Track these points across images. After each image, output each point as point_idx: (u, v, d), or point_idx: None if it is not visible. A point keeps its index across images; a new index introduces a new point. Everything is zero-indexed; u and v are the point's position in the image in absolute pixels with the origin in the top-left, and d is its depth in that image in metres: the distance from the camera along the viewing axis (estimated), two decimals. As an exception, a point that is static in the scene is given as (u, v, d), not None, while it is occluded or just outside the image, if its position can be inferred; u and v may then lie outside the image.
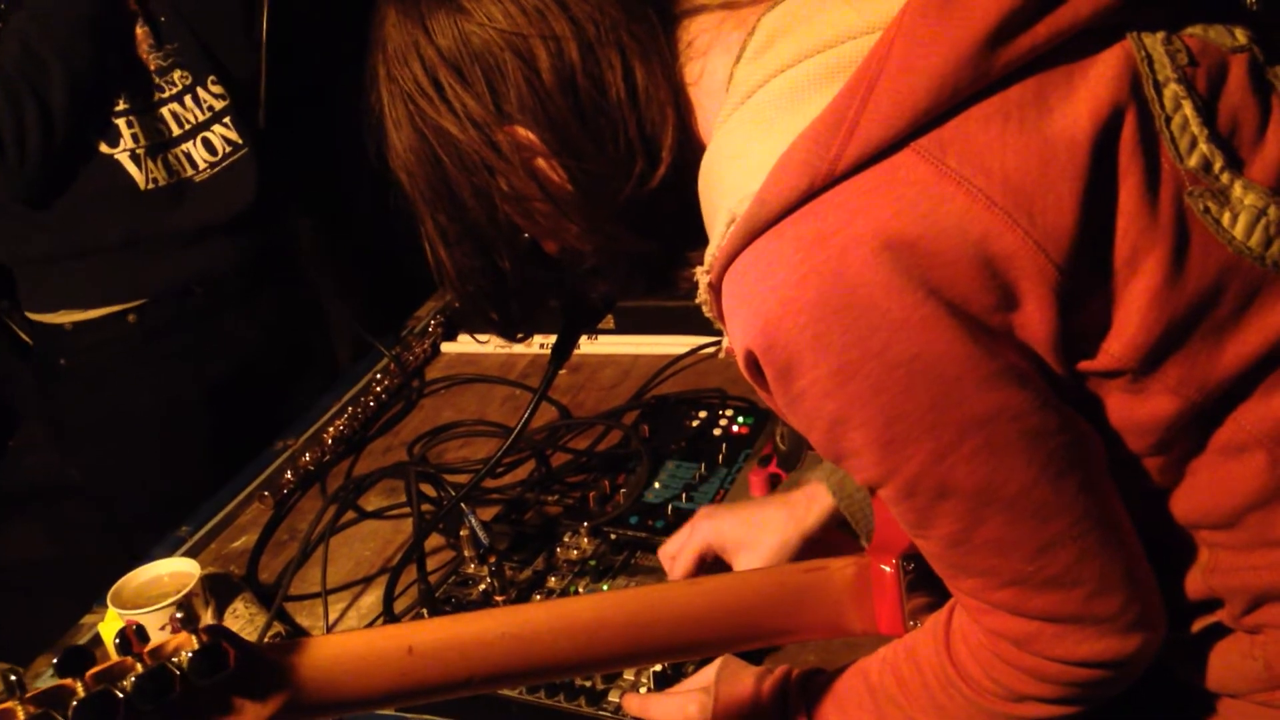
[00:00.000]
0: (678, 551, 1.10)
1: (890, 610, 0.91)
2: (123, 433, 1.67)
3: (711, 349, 1.56)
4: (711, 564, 1.09)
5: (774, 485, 1.24)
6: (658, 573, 1.15)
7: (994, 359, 0.68)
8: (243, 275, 1.69)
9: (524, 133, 0.79)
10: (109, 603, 1.18)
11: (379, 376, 1.65)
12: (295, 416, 1.62)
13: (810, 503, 1.05)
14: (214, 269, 1.65)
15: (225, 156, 1.63)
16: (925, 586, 0.90)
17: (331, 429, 1.56)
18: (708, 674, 0.99)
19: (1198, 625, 0.80)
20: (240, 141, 1.64)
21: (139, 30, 1.57)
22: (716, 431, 1.39)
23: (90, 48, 1.47)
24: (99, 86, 1.50)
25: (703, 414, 1.43)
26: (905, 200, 0.67)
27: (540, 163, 0.80)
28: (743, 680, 0.97)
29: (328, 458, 1.52)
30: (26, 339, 1.68)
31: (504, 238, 0.84)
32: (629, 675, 1.05)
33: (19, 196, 1.51)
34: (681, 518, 1.24)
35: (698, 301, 0.79)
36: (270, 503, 1.45)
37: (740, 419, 1.40)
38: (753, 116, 0.73)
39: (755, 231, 0.69)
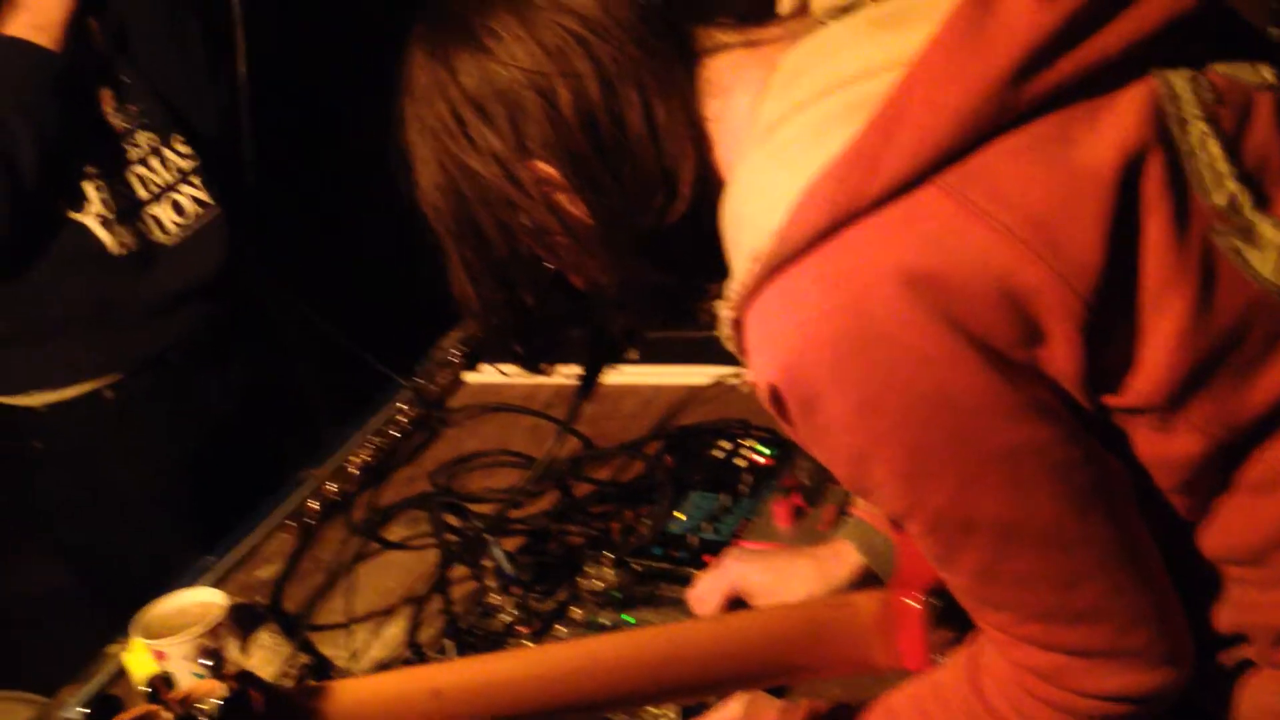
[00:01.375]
0: (705, 594, 1.10)
1: (916, 645, 0.90)
2: (105, 511, 1.63)
3: (734, 379, 1.56)
4: (737, 607, 1.09)
5: (798, 516, 1.24)
6: (682, 604, 1.15)
7: (1018, 392, 0.68)
8: (217, 338, 1.65)
9: (545, 167, 0.80)
10: (133, 632, 1.19)
11: (402, 406, 1.66)
12: (279, 475, 1.59)
13: (839, 560, 1.05)
14: (189, 334, 1.61)
15: (196, 218, 1.59)
16: (951, 621, 0.89)
17: (355, 458, 1.56)
18: (733, 709, 0.98)
19: (1226, 660, 0.79)
20: (210, 202, 1.60)
21: (103, 92, 1.54)
22: (740, 462, 1.39)
23: (57, 109, 1.44)
24: (66, 148, 1.47)
25: (726, 444, 1.43)
26: (928, 235, 0.67)
27: (561, 197, 0.81)
28: (767, 716, 0.96)
29: (352, 487, 1.53)
30: None
31: (526, 272, 0.85)
32: (654, 710, 1.04)
33: None
34: (705, 548, 1.24)
35: (720, 336, 0.80)
36: (295, 532, 1.46)
37: (764, 449, 1.40)
38: (775, 152, 0.74)
39: (777, 267, 0.70)
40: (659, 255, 0.83)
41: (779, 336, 0.70)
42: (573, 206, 0.81)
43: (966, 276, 0.66)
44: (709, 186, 0.80)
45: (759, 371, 0.73)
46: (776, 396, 0.72)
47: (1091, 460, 0.71)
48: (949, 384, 0.67)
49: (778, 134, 0.74)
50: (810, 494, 1.25)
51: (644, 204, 0.80)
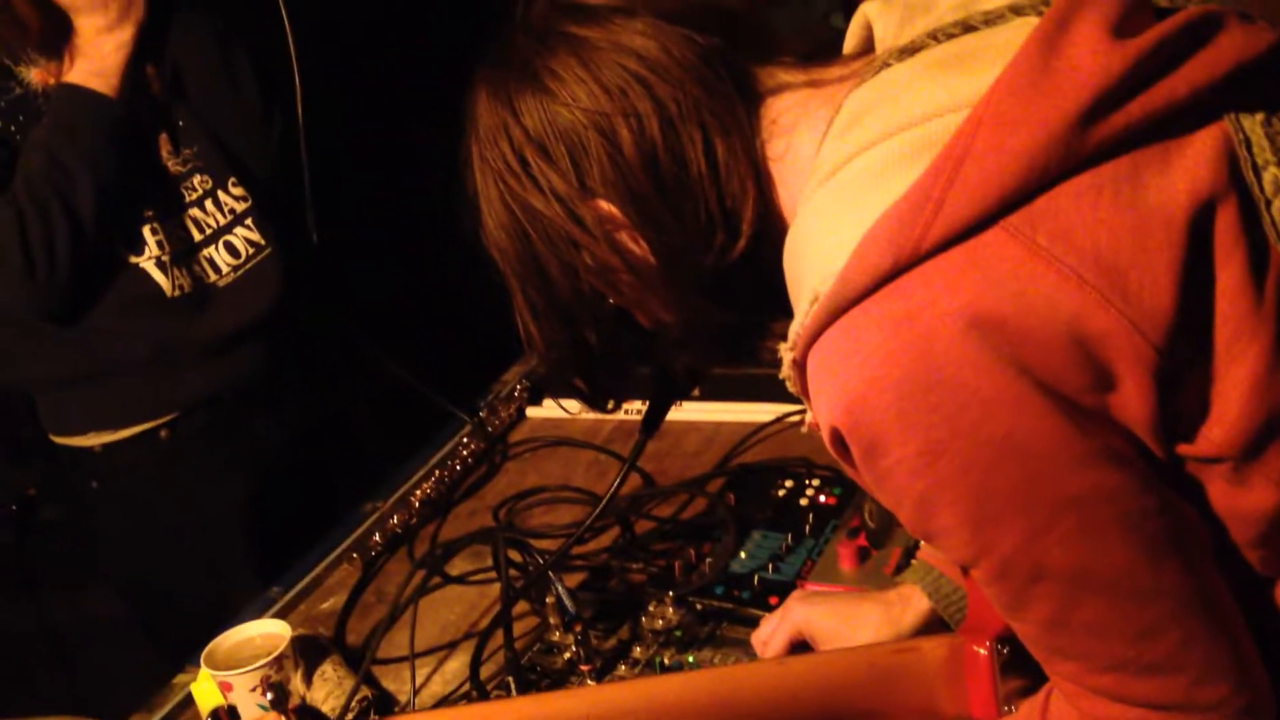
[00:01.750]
0: (769, 637, 1.09)
1: (984, 694, 0.88)
2: (161, 551, 1.64)
3: (796, 417, 1.55)
4: (801, 650, 1.08)
5: (863, 559, 1.23)
6: (744, 644, 1.14)
7: (1089, 439, 0.67)
8: (272, 376, 1.66)
9: (607, 206, 0.81)
10: (202, 664, 1.21)
11: (465, 440, 1.67)
12: (335, 510, 1.60)
13: (906, 605, 1.04)
14: (243, 374, 1.62)
15: (248, 259, 1.60)
16: (1020, 669, 0.88)
17: (419, 491, 1.58)
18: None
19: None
20: (262, 242, 1.61)
21: (160, 136, 1.56)
22: (803, 501, 1.38)
23: (116, 156, 1.45)
24: (125, 194, 1.49)
25: (789, 483, 1.42)
26: (993, 278, 0.66)
27: (623, 235, 0.82)
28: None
29: (415, 520, 1.54)
30: None
31: (589, 310, 0.86)
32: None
33: (46, 311, 1.48)
34: (768, 589, 1.23)
35: (781, 377, 0.79)
36: (358, 564, 1.48)
37: (827, 489, 1.39)
38: (837, 193, 0.73)
39: (839, 309, 0.69)
40: (721, 293, 0.83)
41: (841, 379, 0.69)
42: (635, 245, 0.82)
43: (1034, 321, 0.65)
44: (771, 225, 0.81)
45: (821, 414, 0.72)
46: (839, 439, 0.71)
47: (1165, 509, 0.69)
48: (1017, 429, 0.66)
49: (841, 175, 0.73)
50: (875, 536, 1.23)
51: (705, 242, 0.81)
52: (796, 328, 0.73)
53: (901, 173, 0.69)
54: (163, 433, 1.59)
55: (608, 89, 0.79)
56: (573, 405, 0.98)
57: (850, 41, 0.89)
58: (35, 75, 1.44)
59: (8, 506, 1.82)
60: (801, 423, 1.58)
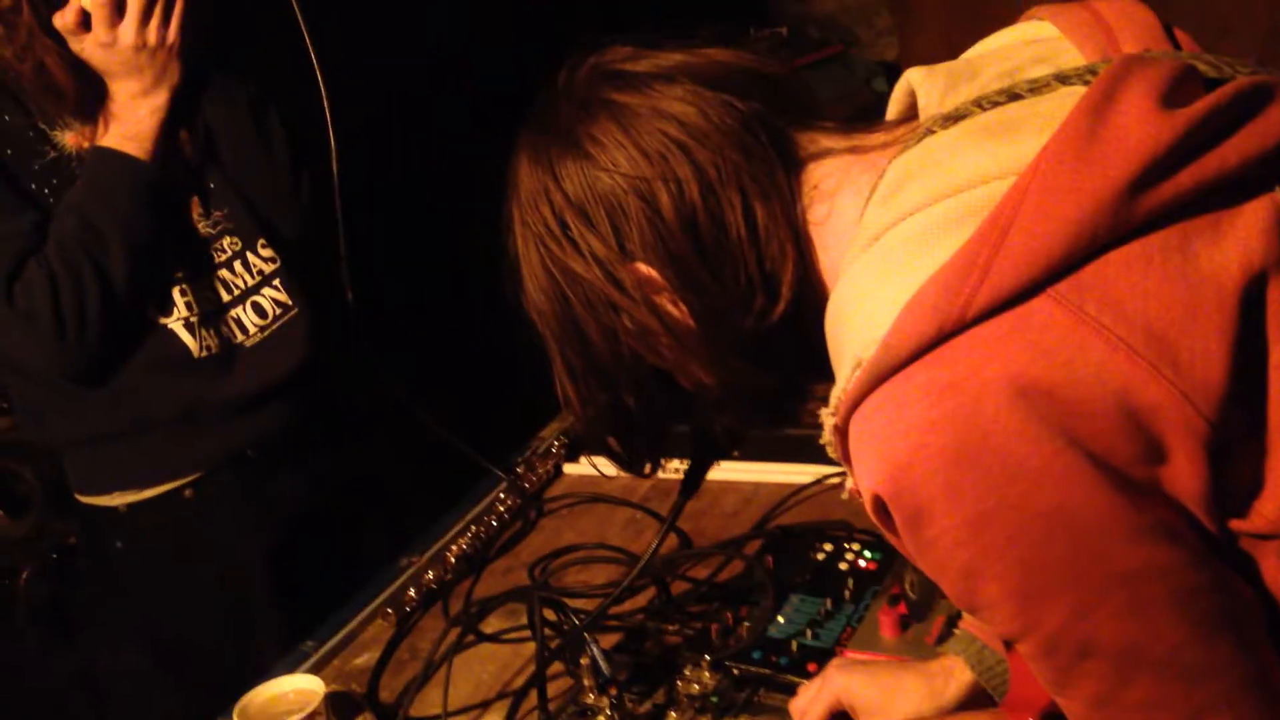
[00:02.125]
0: (808, 705, 1.07)
1: (1027, 770, 0.86)
2: (189, 608, 1.64)
3: (836, 480, 1.53)
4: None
5: (904, 627, 1.21)
6: (782, 712, 1.12)
7: (1140, 513, 0.66)
8: (296, 434, 1.65)
9: (646, 270, 0.81)
10: (235, 718, 1.20)
11: (501, 496, 1.67)
12: (364, 566, 1.59)
13: (948, 677, 1.02)
14: (267, 432, 1.62)
15: (275, 319, 1.60)
16: (1065, 746, 0.85)
17: (454, 547, 1.57)
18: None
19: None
20: (289, 303, 1.61)
21: (190, 199, 1.56)
22: (843, 566, 1.36)
23: (148, 219, 1.46)
24: (155, 256, 1.49)
25: (828, 546, 1.40)
26: (1041, 347, 0.65)
27: (663, 299, 0.82)
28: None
29: (450, 576, 1.54)
30: None
31: (628, 373, 0.86)
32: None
33: (75, 372, 1.48)
34: (807, 655, 1.21)
35: (822, 442, 0.79)
36: (393, 620, 1.47)
37: (867, 554, 1.37)
38: (881, 259, 0.73)
39: (882, 375, 0.69)
40: (761, 356, 0.83)
41: (884, 446, 0.69)
42: (674, 308, 0.82)
43: (1083, 391, 0.64)
44: (812, 289, 0.81)
45: (864, 481, 0.71)
46: (881, 507, 0.70)
47: (1218, 586, 0.68)
48: (1066, 502, 0.65)
49: (884, 240, 0.73)
50: (917, 607, 1.21)
51: (745, 305, 0.81)
52: (838, 393, 0.73)
53: (946, 239, 0.69)
54: (187, 492, 1.58)
55: (648, 154, 0.80)
56: (610, 468, 0.98)
57: (894, 107, 0.89)
58: (69, 139, 1.45)
59: (49, 555, 1.83)
60: (841, 486, 1.56)
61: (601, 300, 0.83)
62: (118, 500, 1.58)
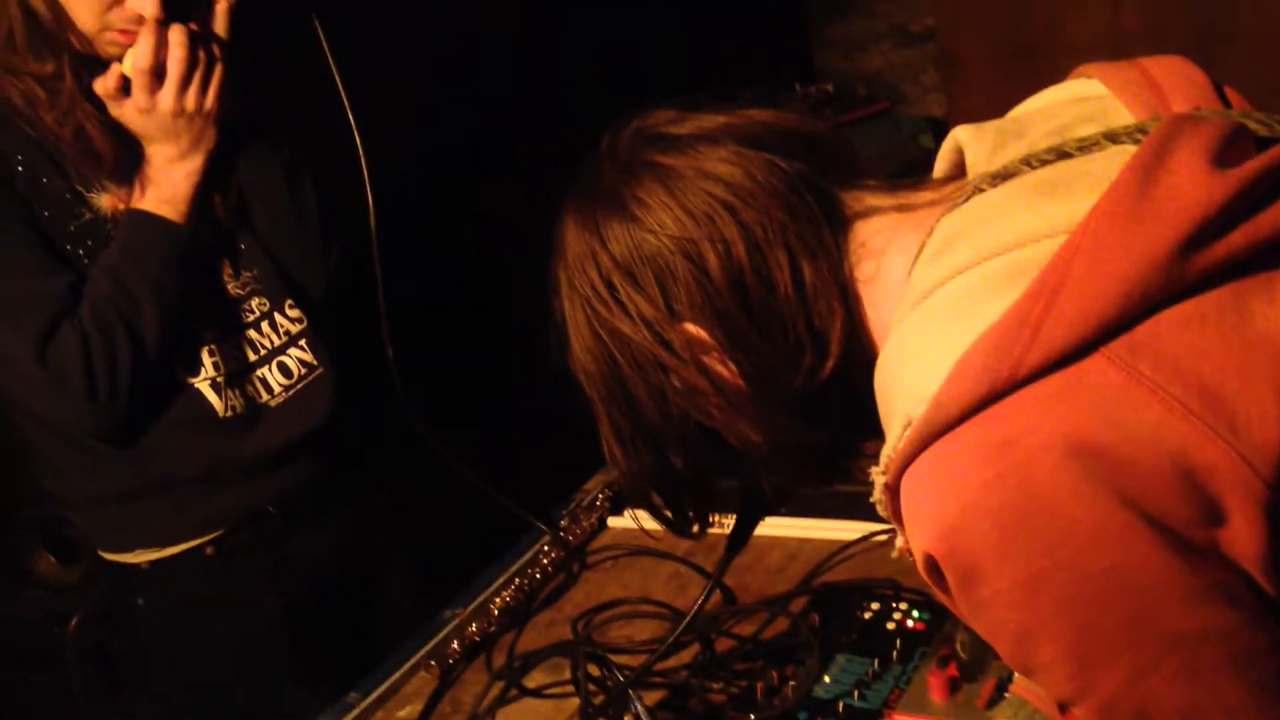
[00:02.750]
0: None
1: (1082, 839, 0.84)
2: (206, 666, 1.64)
3: (883, 537, 1.52)
4: None
5: (954, 690, 1.18)
6: (826, 775, 1.10)
7: (1197, 575, 0.65)
8: (317, 491, 1.66)
9: (694, 329, 0.82)
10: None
11: (545, 549, 1.67)
12: (380, 625, 1.59)
13: None
14: (289, 489, 1.63)
15: (299, 379, 1.61)
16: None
17: (498, 600, 1.57)
18: None
19: None
20: (314, 363, 1.62)
21: (221, 260, 1.58)
22: (890, 625, 1.34)
23: (180, 281, 1.47)
24: (186, 318, 1.51)
25: (875, 605, 1.38)
26: (1094, 407, 0.65)
27: (711, 358, 0.83)
28: None
29: (493, 629, 1.53)
30: None
31: (677, 433, 0.87)
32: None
33: (104, 432, 1.49)
34: (854, 717, 1.19)
35: (873, 500, 0.78)
36: (436, 672, 1.47)
37: (915, 613, 1.35)
38: (930, 317, 0.73)
39: (933, 434, 0.69)
40: (810, 414, 0.83)
41: (936, 505, 0.68)
42: (723, 367, 0.83)
43: (1139, 452, 0.64)
44: (861, 347, 0.81)
45: (915, 540, 0.71)
46: (934, 567, 0.70)
47: (1277, 648, 0.66)
48: (1122, 564, 0.64)
49: (934, 298, 0.73)
50: (967, 669, 1.19)
51: (794, 363, 0.81)
52: (889, 451, 0.73)
53: (996, 297, 0.69)
54: (209, 549, 1.59)
55: (694, 215, 0.81)
56: (655, 526, 0.98)
57: (941, 165, 0.90)
58: (106, 201, 1.47)
59: (98, 603, 1.85)
60: (889, 543, 1.55)
61: (650, 361, 0.83)
62: (140, 557, 1.59)
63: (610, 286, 0.83)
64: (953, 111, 2.97)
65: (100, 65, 1.42)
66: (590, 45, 2.75)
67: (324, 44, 1.59)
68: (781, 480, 0.93)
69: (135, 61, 1.39)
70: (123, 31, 1.39)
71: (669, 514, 0.93)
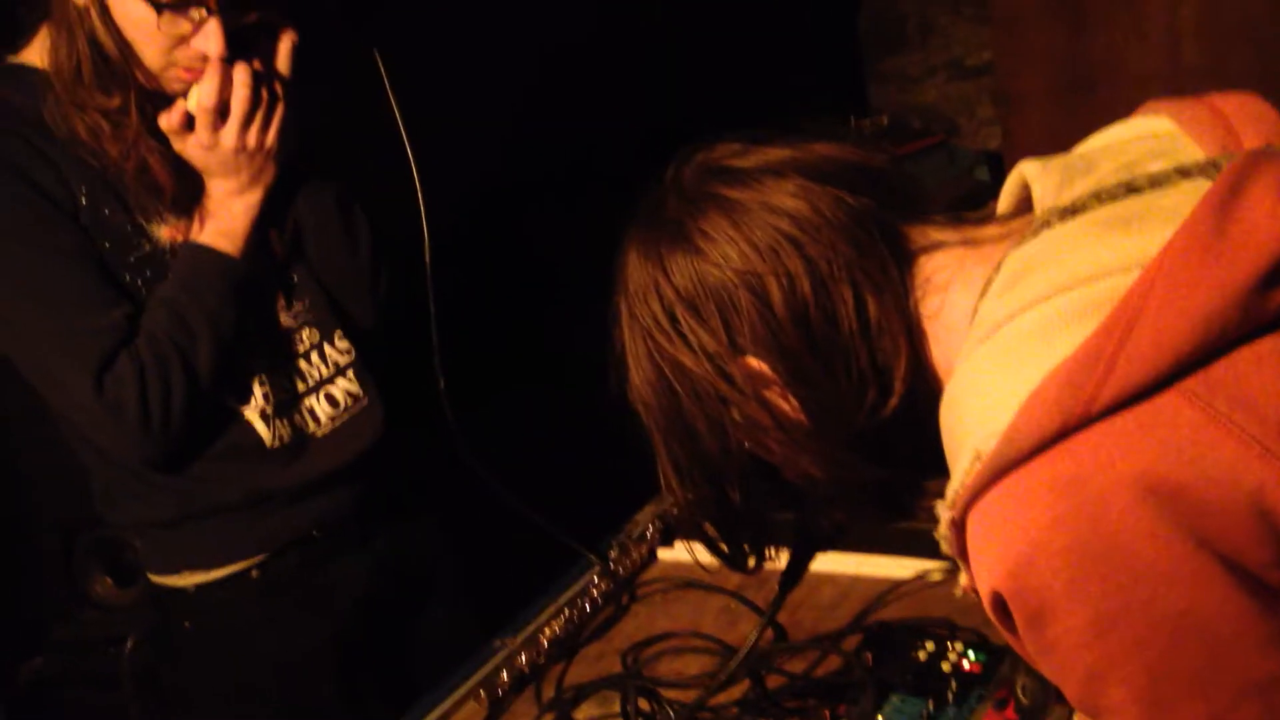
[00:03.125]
0: None
1: None
2: (251, 692, 1.65)
3: (938, 575, 1.49)
4: None
5: (1012, 733, 1.16)
6: (881, 817, 1.08)
7: (1275, 619, 0.63)
8: (361, 516, 1.67)
9: (756, 364, 0.81)
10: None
11: (595, 580, 1.66)
12: (424, 652, 1.58)
13: None
14: (333, 514, 1.64)
15: (346, 409, 1.63)
16: None
17: (547, 631, 1.56)
18: None
19: None
20: (361, 394, 1.64)
21: (275, 291, 1.60)
22: (946, 666, 1.32)
23: (234, 312, 1.49)
24: (240, 348, 1.53)
25: (930, 645, 1.36)
26: (1170, 445, 0.64)
27: (773, 393, 0.82)
28: None
29: (542, 660, 1.53)
30: None
31: (735, 468, 0.86)
32: None
33: (156, 461, 1.51)
34: (907, 758, 1.17)
35: (937, 536, 0.77)
36: (485, 703, 1.46)
37: (971, 654, 1.32)
38: (999, 351, 0.72)
39: (1003, 469, 0.67)
40: (873, 451, 0.82)
41: (1005, 542, 0.67)
42: (785, 402, 0.82)
43: (1215, 491, 0.62)
44: (924, 382, 0.80)
45: (982, 577, 0.69)
46: (1001, 605, 0.68)
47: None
48: (1197, 607, 0.62)
49: (1003, 332, 0.72)
50: (1029, 711, 1.16)
51: (857, 400, 0.80)
52: (956, 486, 0.71)
53: (1069, 332, 0.68)
54: (254, 573, 1.60)
55: (759, 249, 0.80)
56: (709, 557, 0.97)
57: (1005, 200, 0.89)
58: (165, 233, 1.50)
59: (154, 625, 1.87)
60: (944, 581, 1.52)
61: (710, 394, 0.83)
62: (187, 580, 1.60)
63: (672, 318, 0.83)
64: (1008, 145, 2.95)
65: (165, 100, 1.45)
66: (645, 81, 2.77)
67: (384, 78, 1.61)
68: (841, 517, 0.92)
69: (200, 99, 1.41)
70: (187, 69, 1.42)
71: (724, 547, 0.92)
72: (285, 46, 1.49)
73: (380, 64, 1.60)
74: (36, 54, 1.43)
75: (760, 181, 0.83)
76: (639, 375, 0.86)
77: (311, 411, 1.61)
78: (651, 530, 1.77)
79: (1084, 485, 0.64)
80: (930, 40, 3.47)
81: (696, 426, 0.84)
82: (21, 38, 1.45)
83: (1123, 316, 0.66)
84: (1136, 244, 0.70)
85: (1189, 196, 0.71)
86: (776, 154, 0.86)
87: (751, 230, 0.81)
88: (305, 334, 1.61)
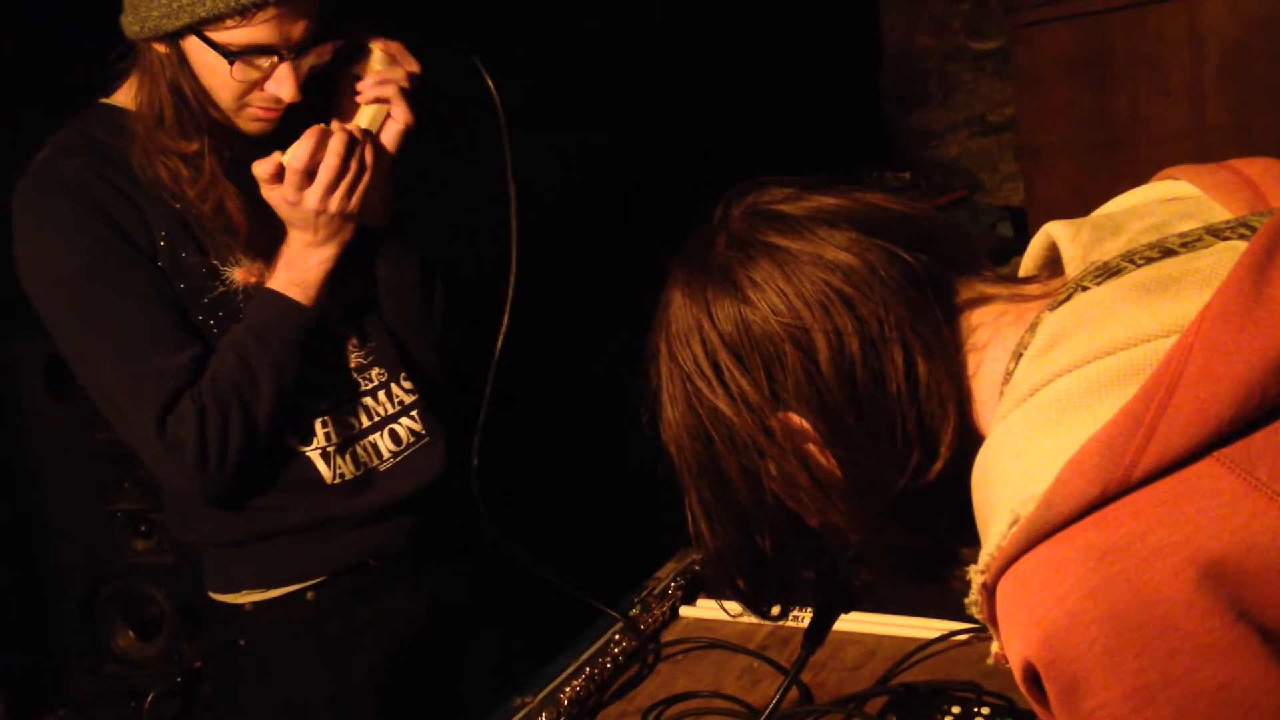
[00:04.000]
0: None
1: None
2: (298, 714, 1.67)
3: (964, 636, 1.47)
4: None
5: (1043, 803, 1.13)
6: None
7: (1317, 693, 0.61)
8: (416, 548, 1.70)
9: (798, 420, 0.80)
10: None
11: (616, 638, 1.64)
12: (464, 688, 1.58)
13: None
14: (390, 544, 1.68)
15: (408, 446, 1.68)
16: None
17: (568, 689, 1.54)
18: None
19: None
20: (423, 432, 1.68)
21: (344, 332, 1.64)
22: (973, 730, 1.29)
23: (298, 359, 1.54)
24: (302, 393, 1.57)
25: (956, 709, 1.33)
26: (1210, 514, 0.62)
27: (812, 448, 0.81)
28: None
29: (562, 718, 1.51)
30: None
31: (766, 518, 0.84)
32: None
33: (211, 496, 1.57)
34: (936, 827, 1.14)
35: (967, 602, 0.75)
36: (503, 762, 1.44)
37: (998, 719, 1.30)
38: (1037, 414, 0.71)
39: (1040, 535, 0.66)
40: (911, 515, 0.80)
41: (1039, 610, 0.65)
42: (823, 459, 0.80)
43: (1257, 563, 0.61)
44: (968, 446, 0.78)
45: (1014, 646, 0.68)
46: (1033, 676, 0.67)
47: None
48: (1237, 681, 0.61)
49: (1040, 395, 0.71)
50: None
51: (899, 463, 0.78)
52: (991, 550, 0.70)
53: (1108, 397, 0.67)
54: (309, 594, 1.64)
55: (808, 302, 0.78)
56: (734, 607, 0.95)
57: (1032, 261, 0.88)
58: (239, 275, 1.54)
59: (175, 679, 1.86)
60: (970, 642, 1.50)
61: (747, 444, 0.81)
62: (245, 598, 1.64)
63: (715, 365, 0.81)
64: (1031, 200, 2.95)
65: (245, 140, 1.51)
66: (668, 134, 2.79)
67: (507, 148, 1.62)
68: (872, 577, 0.90)
69: (291, 160, 1.46)
70: (263, 109, 1.47)
71: (750, 593, 0.90)
72: (397, 129, 1.55)
73: (501, 113, 1.62)
74: (127, 97, 1.50)
75: (814, 231, 0.81)
76: (674, 415, 0.84)
77: (374, 447, 1.65)
78: (673, 587, 1.75)
79: (1122, 554, 0.63)
80: (953, 96, 3.49)
81: (730, 474, 0.83)
82: (114, 82, 1.52)
83: (1162, 381, 0.65)
84: (1174, 308, 0.69)
85: (1225, 258, 0.70)
86: (829, 202, 0.83)
87: (802, 283, 0.79)
88: (374, 372, 1.66)
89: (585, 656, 1.61)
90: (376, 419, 1.65)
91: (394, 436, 1.66)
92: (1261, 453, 0.63)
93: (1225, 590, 0.61)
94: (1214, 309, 0.66)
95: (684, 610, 1.74)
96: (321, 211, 1.49)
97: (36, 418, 1.99)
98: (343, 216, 1.51)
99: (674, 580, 1.76)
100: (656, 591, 1.75)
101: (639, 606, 1.71)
